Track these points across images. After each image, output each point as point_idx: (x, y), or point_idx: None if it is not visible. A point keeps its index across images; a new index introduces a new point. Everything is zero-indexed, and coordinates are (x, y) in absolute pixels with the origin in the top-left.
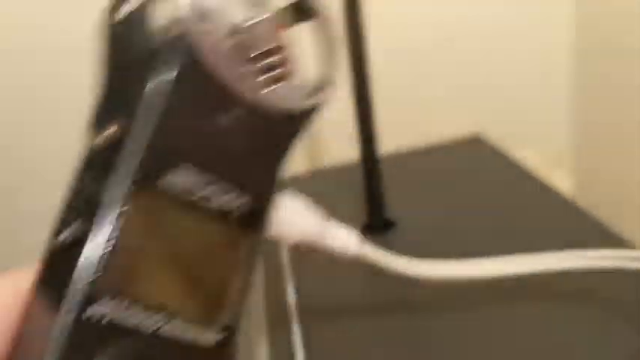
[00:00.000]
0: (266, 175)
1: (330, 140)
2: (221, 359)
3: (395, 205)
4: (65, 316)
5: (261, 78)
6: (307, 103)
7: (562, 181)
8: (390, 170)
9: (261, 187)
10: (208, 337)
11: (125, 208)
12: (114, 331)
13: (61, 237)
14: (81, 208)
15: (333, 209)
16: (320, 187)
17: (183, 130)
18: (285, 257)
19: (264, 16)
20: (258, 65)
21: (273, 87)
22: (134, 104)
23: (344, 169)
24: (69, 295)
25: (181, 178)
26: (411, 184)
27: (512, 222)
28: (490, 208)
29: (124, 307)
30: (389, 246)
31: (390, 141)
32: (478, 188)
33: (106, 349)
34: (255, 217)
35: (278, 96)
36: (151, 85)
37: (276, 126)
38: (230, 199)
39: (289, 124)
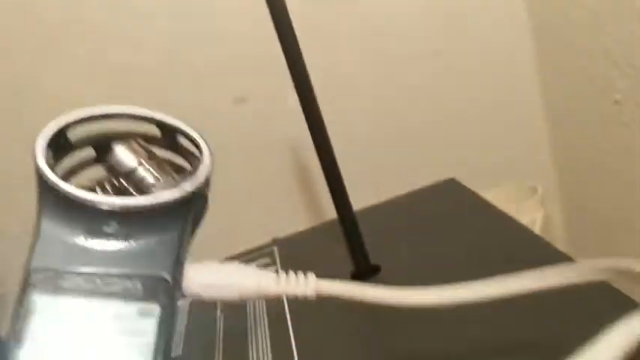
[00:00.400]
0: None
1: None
2: None
3: (378, 252)
4: None
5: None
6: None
7: (536, 211)
8: (372, 220)
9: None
10: None
11: None
12: None
13: None
14: None
15: (321, 262)
16: (307, 245)
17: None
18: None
19: None
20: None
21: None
22: None
23: (331, 225)
24: None
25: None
26: (391, 230)
27: (485, 256)
28: (463, 246)
29: None
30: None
31: (370, 193)
32: (453, 229)
33: None
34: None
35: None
36: None
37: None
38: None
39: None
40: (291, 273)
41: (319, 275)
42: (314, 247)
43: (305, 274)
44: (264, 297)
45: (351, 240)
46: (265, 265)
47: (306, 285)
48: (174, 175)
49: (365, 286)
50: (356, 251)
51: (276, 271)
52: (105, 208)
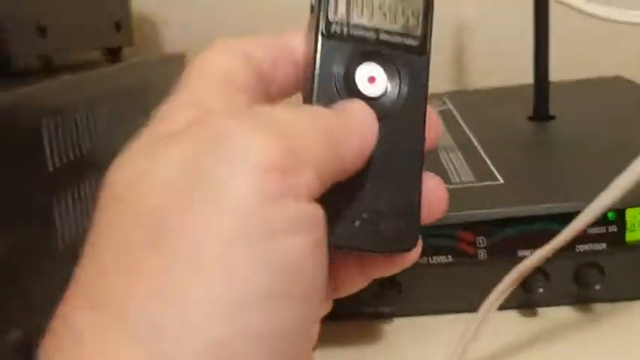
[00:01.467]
0: None
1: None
2: None
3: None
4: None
5: None
6: None
7: None
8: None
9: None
10: None
11: None
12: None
13: None
14: None
15: (504, 108)
16: (496, 95)
17: None
18: None
19: None
20: None
21: None
22: None
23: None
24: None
25: None
26: (575, 97)
27: None
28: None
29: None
30: (550, 133)
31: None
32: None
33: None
34: None
35: None
36: None
37: None
38: None
39: None
40: None
41: (497, 115)
42: (494, 99)
43: None
44: None
45: (539, 87)
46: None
47: None
48: None
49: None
50: (540, 95)
51: None
52: None
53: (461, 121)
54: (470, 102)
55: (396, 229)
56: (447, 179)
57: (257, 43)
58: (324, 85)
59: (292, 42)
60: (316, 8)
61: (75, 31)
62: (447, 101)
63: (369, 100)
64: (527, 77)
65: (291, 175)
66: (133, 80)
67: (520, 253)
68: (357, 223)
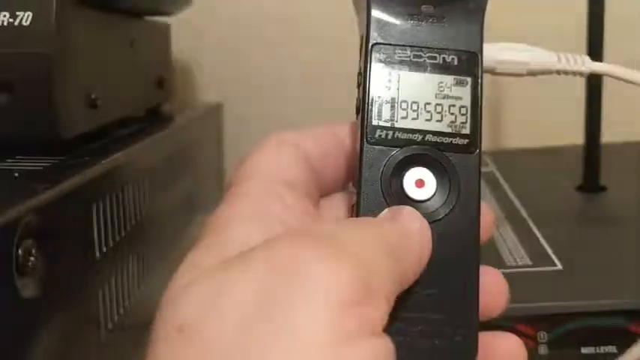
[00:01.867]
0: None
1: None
2: None
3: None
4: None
5: None
6: None
7: None
8: (612, 153)
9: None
10: None
11: None
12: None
13: None
14: None
15: (550, 173)
16: (540, 157)
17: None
18: None
19: None
20: None
21: None
22: None
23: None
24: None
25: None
26: (626, 163)
27: None
28: None
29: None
30: (603, 207)
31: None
32: None
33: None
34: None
35: None
36: None
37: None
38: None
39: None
40: (567, 54)
41: (543, 182)
42: (539, 161)
43: (579, 54)
44: (546, 73)
45: (589, 152)
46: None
47: (582, 63)
48: None
49: (631, 70)
50: (590, 167)
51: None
52: None
53: (506, 187)
54: (513, 164)
55: (453, 343)
56: (501, 261)
57: (310, 137)
58: (371, 190)
59: (342, 134)
60: (360, 113)
61: (123, 97)
62: (489, 162)
63: (418, 204)
64: (570, 134)
65: (367, 308)
66: (177, 144)
67: (584, 350)
68: (411, 338)
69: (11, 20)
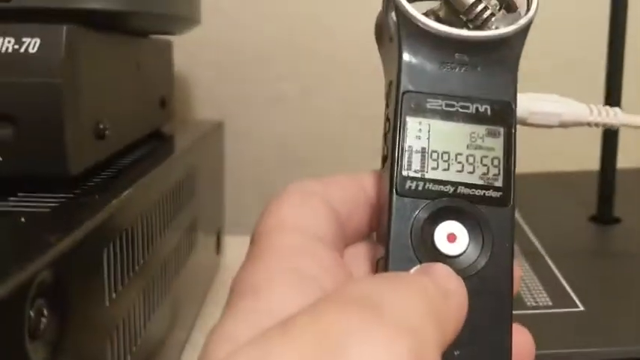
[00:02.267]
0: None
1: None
2: None
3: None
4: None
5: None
6: (516, 26)
7: None
8: (626, 180)
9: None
10: None
11: None
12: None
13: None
14: None
15: (563, 203)
16: (550, 183)
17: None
18: None
19: None
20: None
21: (488, 23)
22: None
23: (580, 174)
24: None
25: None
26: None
27: None
28: None
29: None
30: (619, 241)
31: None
32: None
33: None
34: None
35: (493, 29)
36: None
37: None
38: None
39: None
40: (600, 105)
41: (556, 211)
42: (550, 187)
43: (611, 107)
44: (578, 125)
45: (604, 187)
46: None
47: (614, 116)
48: (503, 11)
49: None
50: (604, 198)
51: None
52: (458, 39)
53: (517, 216)
54: (522, 189)
55: None
56: (521, 302)
57: (334, 187)
58: (400, 244)
59: (366, 183)
60: (389, 163)
61: (130, 123)
62: None
63: (450, 259)
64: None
65: None
66: (184, 167)
67: None
68: None
69: (16, 47)
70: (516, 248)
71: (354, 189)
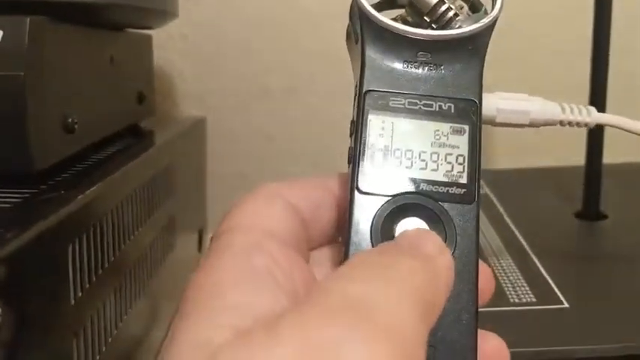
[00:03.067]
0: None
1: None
2: None
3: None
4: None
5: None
6: (479, 25)
7: None
8: (612, 175)
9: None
10: None
11: None
12: None
13: None
14: None
15: (549, 199)
16: (540, 179)
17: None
18: None
19: None
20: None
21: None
22: None
23: (567, 169)
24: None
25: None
26: (628, 187)
27: None
28: None
29: None
30: (605, 237)
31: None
32: None
33: None
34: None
35: (456, 28)
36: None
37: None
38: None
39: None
40: (572, 104)
41: (541, 207)
42: (535, 183)
43: (584, 106)
44: (549, 124)
45: (590, 184)
46: None
47: (587, 114)
48: (467, 10)
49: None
50: (590, 194)
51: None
52: (420, 39)
53: (503, 212)
54: (507, 185)
55: None
56: (504, 298)
57: (299, 188)
58: (360, 242)
59: (333, 185)
60: (352, 161)
61: (102, 118)
62: (482, 182)
63: None
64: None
65: None
66: (160, 164)
67: None
68: None
69: None
70: (500, 244)
71: (320, 191)
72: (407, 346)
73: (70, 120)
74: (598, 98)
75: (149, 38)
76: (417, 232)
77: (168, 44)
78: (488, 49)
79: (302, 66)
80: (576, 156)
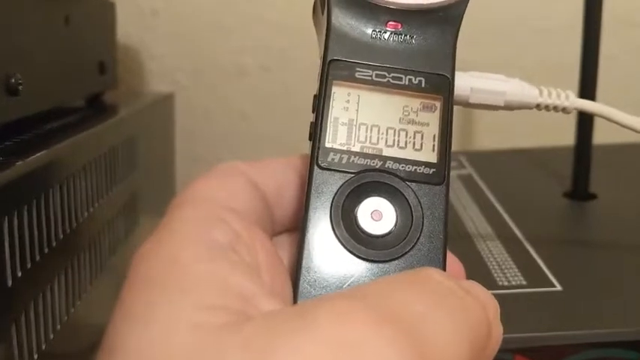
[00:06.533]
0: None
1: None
2: None
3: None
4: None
5: None
6: None
7: None
8: (602, 156)
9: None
10: None
11: None
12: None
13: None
14: None
15: (537, 179)
16: (527, 160)
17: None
18: None
19: None
20: None
21: None
22: None
23: (554, 149)
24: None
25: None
26: (617, 168)
27: None
28: None
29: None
30: (596, 218)
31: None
32: None
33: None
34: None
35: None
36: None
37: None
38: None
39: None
40: (551, 88)
41: (529, 188)
42: (520, 163)
43: (563, 90)
44: (525, 107)
45: (580, 162)
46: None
47: (566, 99)
48: None
49: (617, 110)
50: (580, 174)
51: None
52: (391, 7)
53: (488, 194)
54: (493, 166)
55: None
56: (492, 282)
57: (262, 167)
58: (319, 220)
59: (299, 166)
60: (313, 134)
61: (54, 83)
62: (465, 163)
63: (373, 239)
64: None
65: None
66: (118, 138)
67: None
68: None
69: None
70: (487, 226)
71: (284, 170)
72: (429, 351)
73: (13, 80)
74: (587, 82)
75: (112, 6)
76: None
77: (138, 20)
78: (465, 26)
79: (278, 44)
80: (565, 138)
